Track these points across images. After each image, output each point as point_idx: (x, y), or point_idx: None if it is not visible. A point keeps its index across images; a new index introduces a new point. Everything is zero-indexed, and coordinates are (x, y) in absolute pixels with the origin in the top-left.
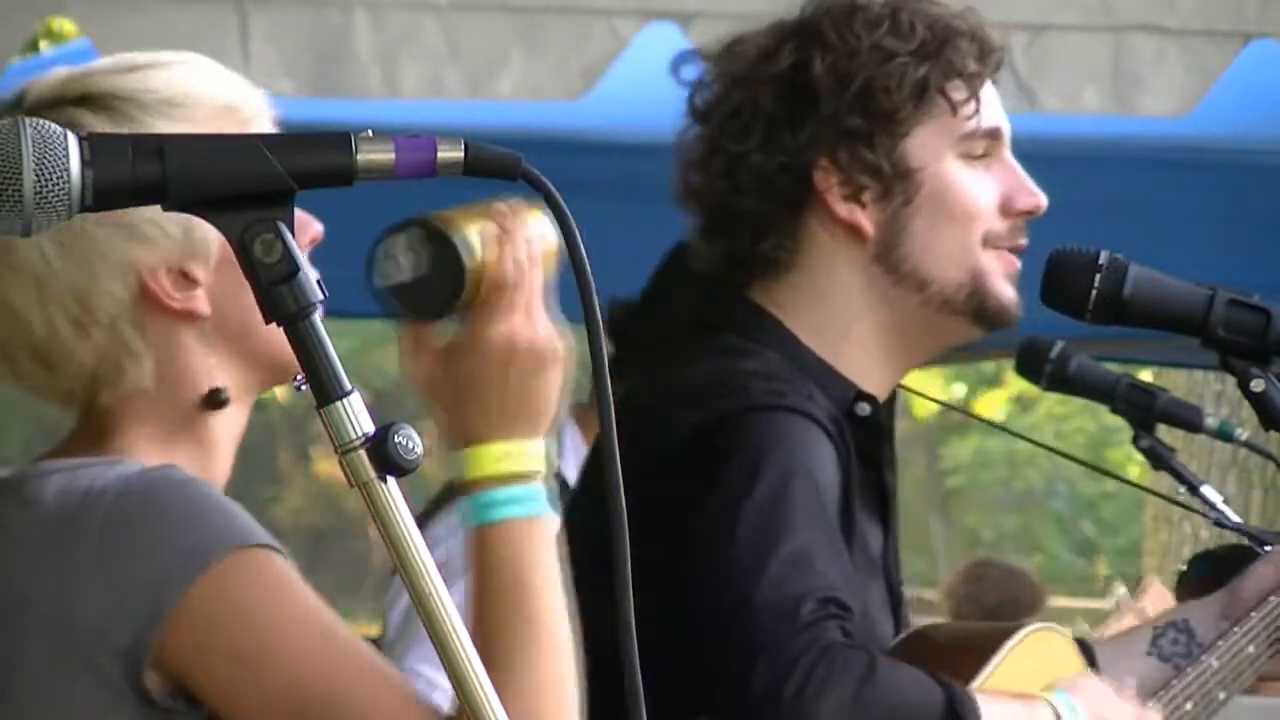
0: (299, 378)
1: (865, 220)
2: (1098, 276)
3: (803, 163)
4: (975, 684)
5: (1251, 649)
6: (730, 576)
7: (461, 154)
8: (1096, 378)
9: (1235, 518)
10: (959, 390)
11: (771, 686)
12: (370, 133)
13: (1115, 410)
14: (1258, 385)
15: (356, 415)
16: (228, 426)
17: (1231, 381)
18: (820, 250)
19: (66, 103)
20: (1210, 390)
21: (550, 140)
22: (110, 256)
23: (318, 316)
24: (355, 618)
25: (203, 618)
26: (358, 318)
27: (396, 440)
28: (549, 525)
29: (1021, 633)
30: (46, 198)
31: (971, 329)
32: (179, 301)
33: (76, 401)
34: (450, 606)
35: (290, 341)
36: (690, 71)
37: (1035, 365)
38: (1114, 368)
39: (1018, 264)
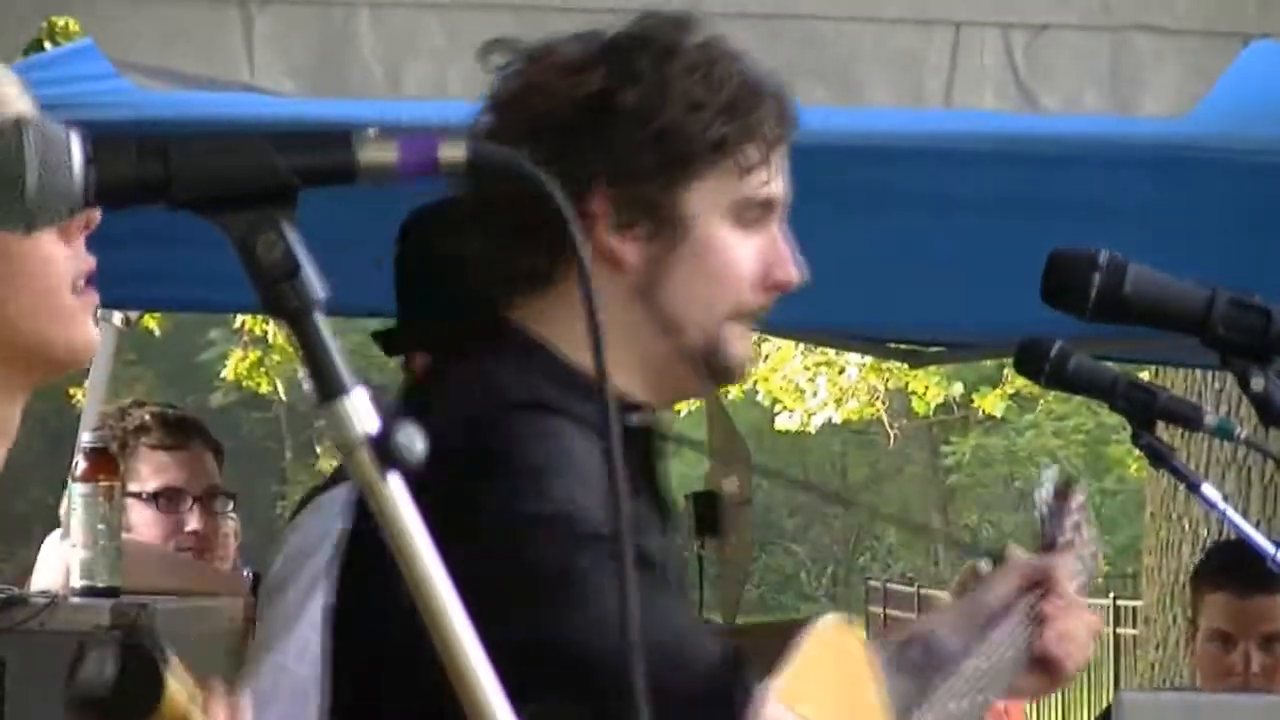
0: (302, 375)
1: (628, 254)
2: (1097, 275)
3: (581, 186)
4: (776, 680)
5: (1011, 653)
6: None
7: (464, 153)
8: (1096, 376)
9: (1236, 516)
10: (958, 389)
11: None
12: (373, 131)
13: (1115, 408)
14: (1258, 384)
15: (360, 412)
16: None
17: (1231, 379)
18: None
19: None
20: (1210, 388)
21: None
22: None
23: (320, 313)
24: None
25: None
26: (361, 315)
27: (399, 437)
28: None
29: (819, 623)
30: (50, 196)
31: (704, 383)
32: None
33: None
34: (454, 604)
35: (293, 338)
36: (500, 59)
37: (1035, 363)
38: (1113, 366)
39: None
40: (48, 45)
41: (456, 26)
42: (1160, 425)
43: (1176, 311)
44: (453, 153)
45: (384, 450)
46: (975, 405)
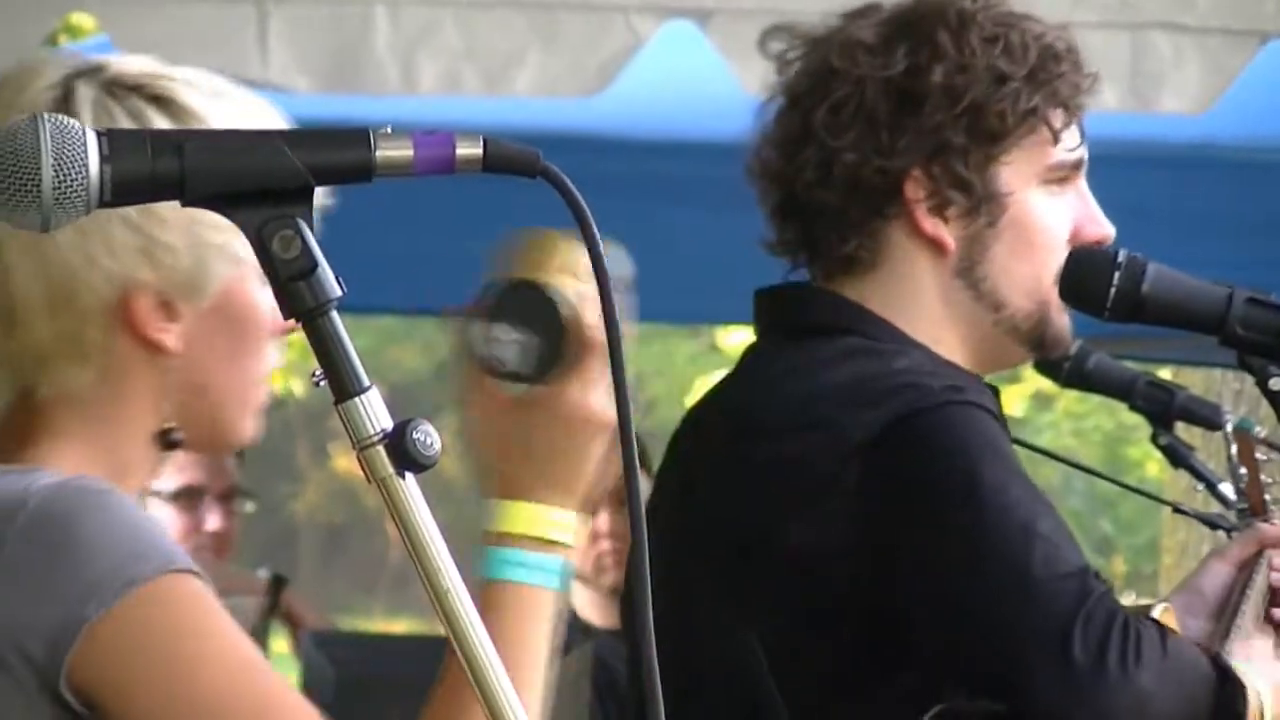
0: (317, 373)
1: (947, 235)
2: (1116, 274)
3: (897, 169)
4: None
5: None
6: (997, 561)
7: (480, 150)
8: (1115, 375)
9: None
10: None
11: (1094, 656)
12: (389, 129)
13: (1133, 408)
14: (1276, 384)
15: (374, 411)
16: (149, 465)
17: (1250, 380)
18: (902, 257)
19: (143, 96)
20: (1229, 388)
21: (567, 137)
22: (115, 256)
23: (335, 312)
24: (371, 613)
25: (125, 639)
26: (376, 314)
27: (414, 436)
28: (558, 601)
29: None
30: (65, 193)
31: (1027, 355)
32: (152, 330)
33: (17, 379)
34: (468, 603)
35: (309, 337)
36: (777, 46)
37: (1053, 362)
38: (1132, 365)
39: None
40: (63, 41)
41: (471, 24)
42: (1179, 425)
43: (1194, 311)
44: (469, 150)
45: (399, 449)
46: None
